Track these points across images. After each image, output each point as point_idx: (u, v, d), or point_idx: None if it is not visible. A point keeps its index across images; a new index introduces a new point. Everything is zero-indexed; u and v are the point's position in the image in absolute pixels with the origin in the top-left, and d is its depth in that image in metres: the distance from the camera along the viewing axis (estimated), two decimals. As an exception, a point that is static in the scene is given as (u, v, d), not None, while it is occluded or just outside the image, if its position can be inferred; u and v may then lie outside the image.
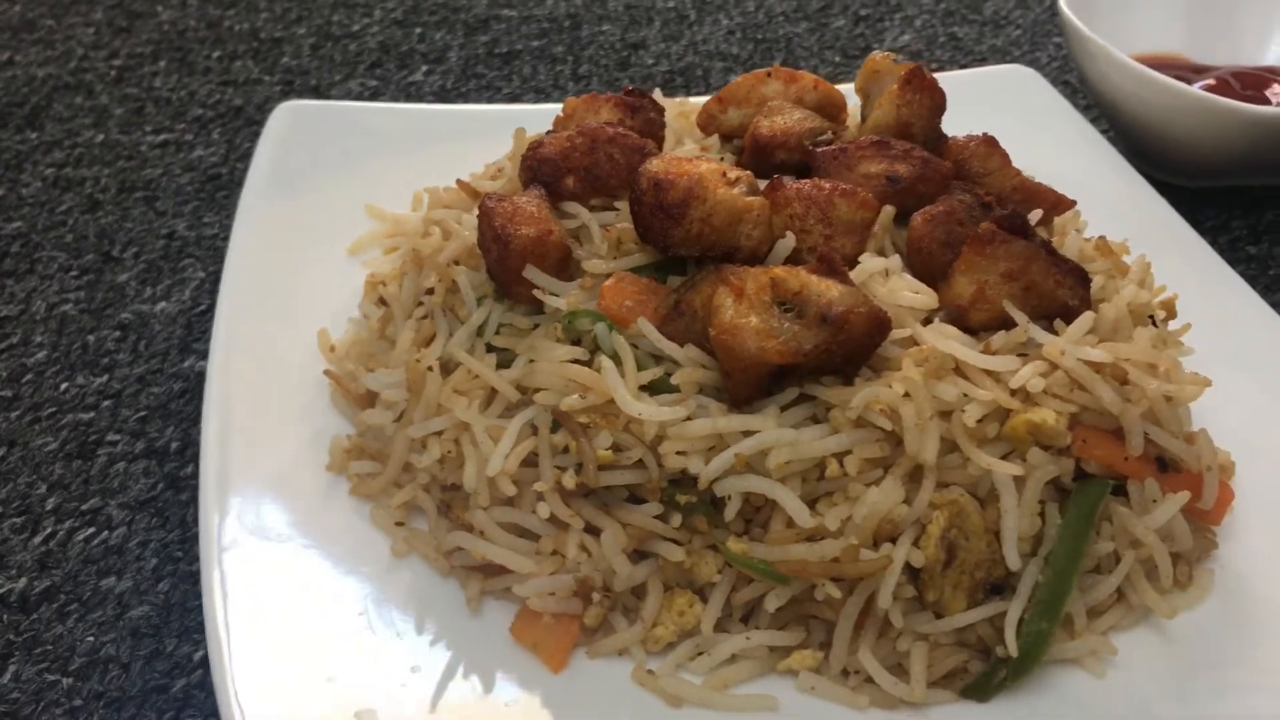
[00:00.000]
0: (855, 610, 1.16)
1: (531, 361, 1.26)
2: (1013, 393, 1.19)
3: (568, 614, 1.19)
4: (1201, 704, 1.14)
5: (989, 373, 1.20)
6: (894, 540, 1.16)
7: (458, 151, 1.69)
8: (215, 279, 1.59)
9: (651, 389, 1.21)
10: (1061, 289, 1.27)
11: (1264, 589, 1.25)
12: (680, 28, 2.49)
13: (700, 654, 1.18)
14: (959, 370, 1.20)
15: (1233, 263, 1.66)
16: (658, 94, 1.65)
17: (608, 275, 1.29)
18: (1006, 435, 1.18)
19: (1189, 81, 1.91)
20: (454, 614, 1.21)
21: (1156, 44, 2.10)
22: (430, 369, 1.31)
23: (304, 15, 2.49)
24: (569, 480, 1.19)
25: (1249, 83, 1.97)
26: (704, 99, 1.61)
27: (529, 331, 1.31)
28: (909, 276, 1.28)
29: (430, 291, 1.42)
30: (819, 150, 1.40)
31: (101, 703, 1.20)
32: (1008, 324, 1.24)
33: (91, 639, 1.26)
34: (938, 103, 1.47)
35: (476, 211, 1.36)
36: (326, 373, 1.43)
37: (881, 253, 1.32)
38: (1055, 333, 1.24)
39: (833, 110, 1.56)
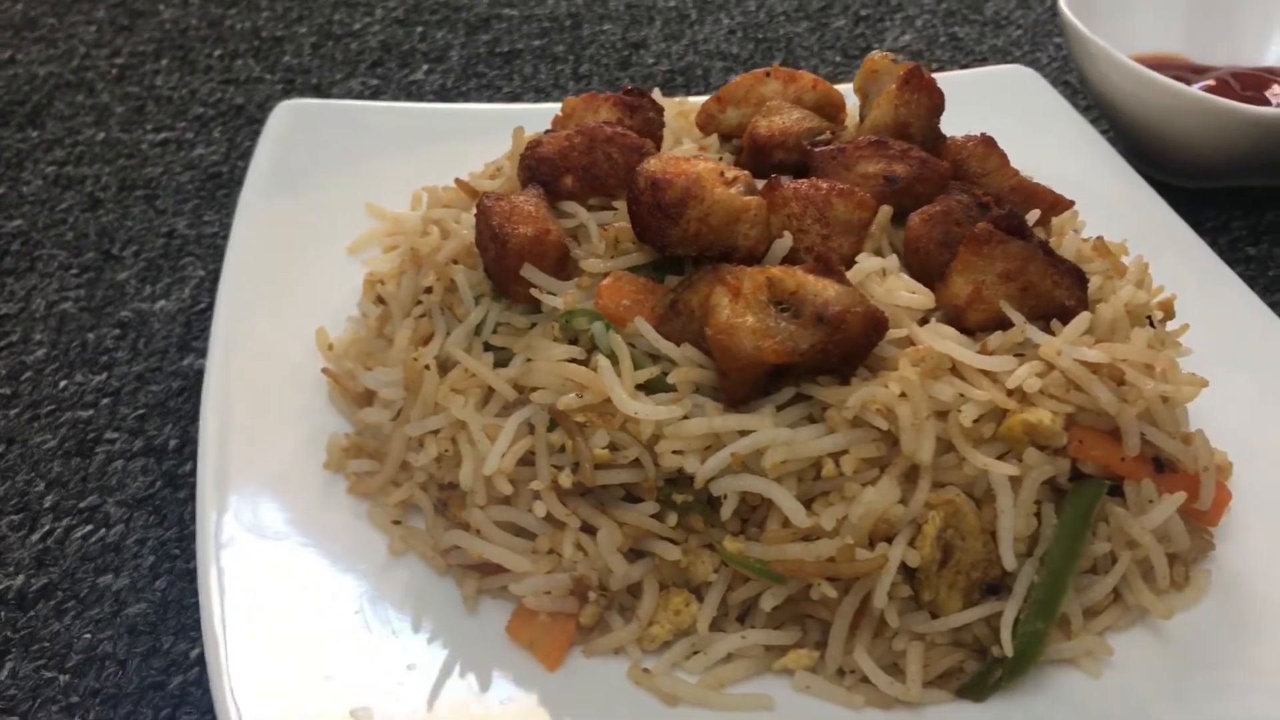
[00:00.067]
0: (851, 610, 1.16)
1: (529, 360, 1.26)
2: (1009, 393, 1.19)
3: (564, 613, 1.19)
4: (1198, 704, 1.14)
5: (985, 373, 1.20)
6: (890, 540, 1.16)
7: (458, 150, 1.69)
8: (215, 277, 1.59)
9: (648, 388, 1.21)
10: (1059, 289, 1.27)
11: (1261, 589, 1.25)
12: (681, 27, 2.49)
13: (696, 653, 1.18)
14: (955, 370, 1.20)
15: (1232, 263, 1.66)
16: (657, 93, 1.65)
17: (605, 274, 1.29)
18: (1003, 435, 1.18)
19: (1189, 82, 1.91)
20: (450, 612, 1.21)
21: (1156, 44, 2.10)
22: (427, 367, 1.31)
23: (305, 14, 2.49)
24: (565, 479, 1.19)
25: (1249, 83, 1.97)
26: (704, 99, 1.61)
27: (526, 330, 1.31)
28: (906, 276, 1.28)
29: (428, 290, 1.42)
30: (817, 150, 1.40)
31: (98, 699, 1.20)
32: (1005, 324, 1.24)
33: (89, 636, 1.26)
34: (936, 103, 1.47)
35: (475, 211, 1.36)
36: (325, 371, 1.43)
37: (879, 253, 1.32)
38: (1052, 333, 1.24)
39: (831, 110, 1.56)
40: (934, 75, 1.49)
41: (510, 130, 1.55)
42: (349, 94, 2.24)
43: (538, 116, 1.66)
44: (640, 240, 1.30)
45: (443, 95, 2.25)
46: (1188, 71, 2.03)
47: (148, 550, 1.35)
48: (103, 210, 1.90)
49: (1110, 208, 1.65)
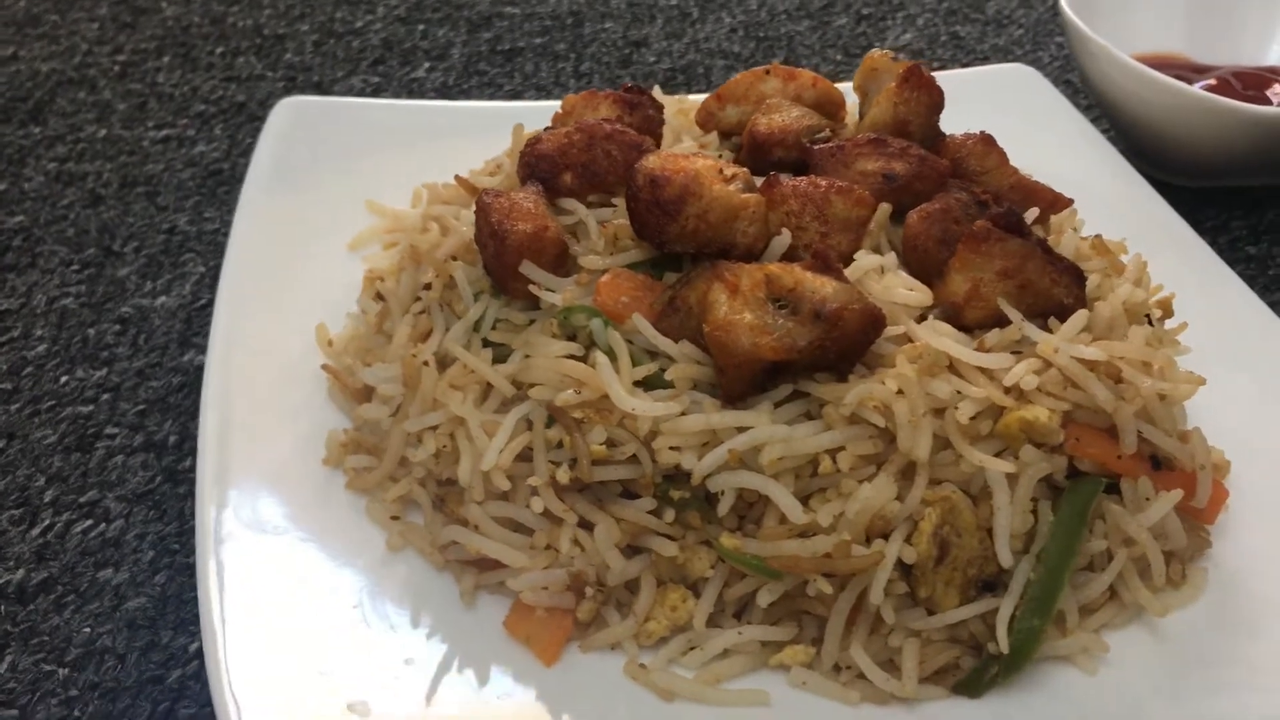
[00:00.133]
0: (847, 606, 1.16)
1: (527, 357, 1.26)
2: (1006, 390, 1.19)
3: (561, 608, 1.19)
4: (1194, 702, 1.14)
5: (983, 370, 1.20)
6: (886, 537, 1.16)
7: (458, 148, 1.70)
8: (215, 274, 1.59)
9: (646, 385, 1.21)
10: (1057, 287, 1.27)
11: (1258, 588, 1.25)
12: (683, 25, 2.49)
13: (692, 649, 1.18)
14: (953, 367, 1.20)
15: (1232, 263, 1.66)
16: (657, 91, 1.65)
17: (604, 271, 1.29)
18: (999, 433, 1.19)
19: (1190, 81, 1.91)
20: (448, 607, 1.21)
21: (1158, 44, 2.10)
22: (426, 364, 1.31)
23: (307, 12, 2.49)
24: (563, 475, 1.20)
25: (1250, 83, 1.96)
26: (705, 97, 1.61)
27: (525, 327, 1.31)
28: (904, 274, 1.28)
29: (428, 287, 1.42)
30: (816, 148, 1.40)
31: (97, 693, 1.20)
32: (1002, 322, 1.24)
33: (88, 630, 1.26)
34: (935, 101, 1.48)
35: (474, 207, 1.37)
36: (324, 367, 1.44)
37: (878, 250, 1.32)
38: (1050, 331, 1.24)
39: (831, 108, 1.56)
40: (934, 74, 1.50)
41: (509, 127, 1.55)
42: (350, 91, 2.25)
43: (538, 114, 1.66)
44: (639, 237, 1.30)
45: (444, 93, 2.25)
46: (1189, 71, 2.03)
47: (147, 545, 1.36)
48: (104, 206, 1.90)
49: (1110, 207, 1.66)
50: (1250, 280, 1.66)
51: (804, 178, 1.33)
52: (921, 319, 1.25)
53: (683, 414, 1.18)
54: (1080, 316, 1.24)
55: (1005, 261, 1.25)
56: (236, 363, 1.41)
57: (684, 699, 1.14)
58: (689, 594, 1.21)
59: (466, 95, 2.25)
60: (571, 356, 1.24)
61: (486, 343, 1.32)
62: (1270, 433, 1.41)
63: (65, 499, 1.41)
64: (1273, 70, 2.02)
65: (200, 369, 1.55)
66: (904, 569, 1.17)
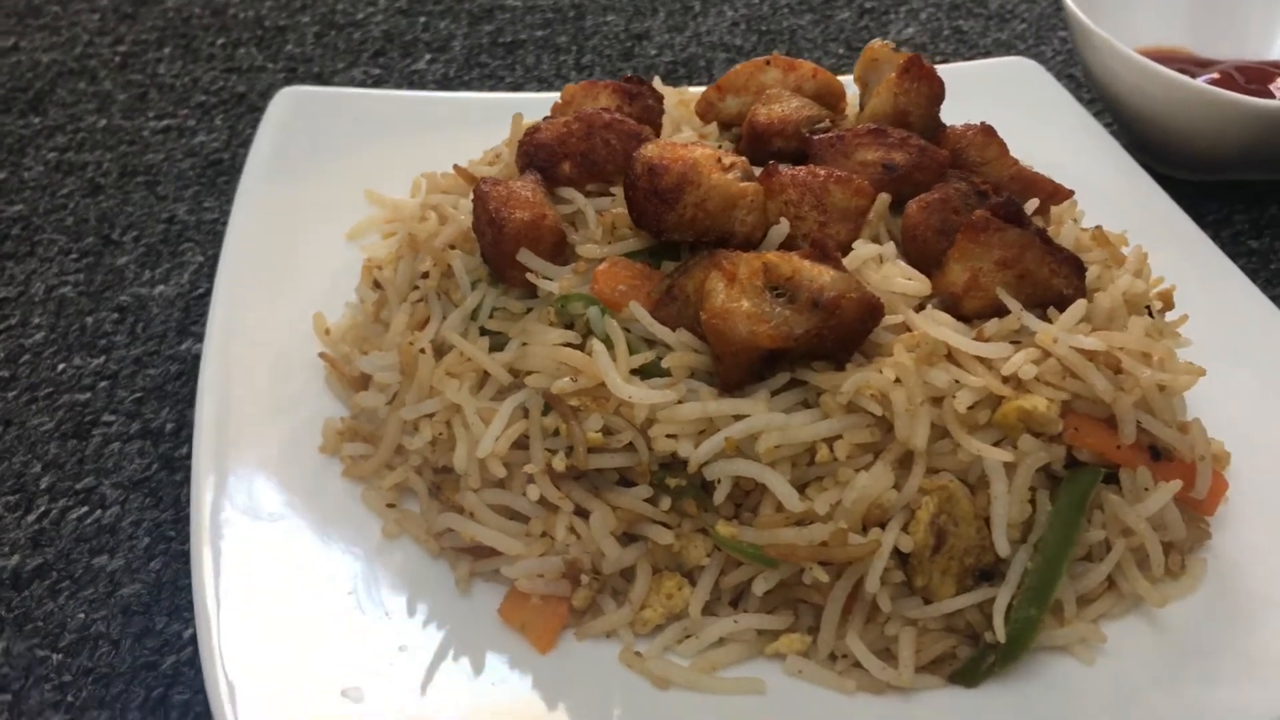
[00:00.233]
0: (843, 594, 1.16)
1: (524, 345, 1.26)
2: (1005, 380, 1.18)
3: (556, 596, 1.19)
4: (1191, 693, 1.14)
5: (981, 359, 1.20)
6: (883, 525, 1.16)
7: (458, 138, 1.69)
8: (214, 263, 1.59)
9: (643, 373, 1.21)
10: (1056, 278, 1.26)
11: (1257, 579, 1.25)
12: (684, 19, 2.48)
13: (688, 637, 1.18)
14: (951, 357, 1.20)
15: (1234, 256, 1.65)
16: (657, 82, 1.65)
17: (601, 260, 1.29)
18: (998, 422, 1.18)
19: (1193, 75, 1.90)
20: (443, 595, 1.21)
21: (1161, 38, 2.10)
22: (423, 351, 1.31)
23: (308, 3, 2.49)
24: (559, 463, 1.19)
25: (1253, 77, 1.96)
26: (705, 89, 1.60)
27: (522, 315, 1.31)
28: (902, 263, 1.28)
29: (425, 275, 1.42)
30: (816, 138, 1.40)
31: (90, 678, 1.20)
32: (1001, 312, 1.24)
33: (82, 616, 1.26)
34: (936, 91, 1.47)
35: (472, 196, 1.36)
36: (321, 355, 1.43)
37: (877, 240, 1.31)
38: (1049, 321, 1.24)
39: (831, 99, 1.55)
40: (936, 66, 1.49)
41: (509, 118, 1.55)
42: (351, 83, 2.24)
43: (537, 105, 1.66)
44: (637, 226, 1.30)
45: (445, 85, 2.25)
46: (1192, 65, 2.02)
47: (143, 532, 1.35)
48: (103, 196, 1.90)
49: (1112, 200, 1.65)
50: (1252, 274, 1.65)
51: (803, 167, 1.32)
52: (920, 308, 1.24)
53: (679, 402, 1.18)
54: (1079, 306, 1.23)
55: (1004, 251, 1.24)
56: (234, 350, 1.41)
57: (679, 687, 1.14)
58: (685, 582, 1.20)
59: (467, 87, 2.24)
60: (569, 345, 1.24)
61: (484, 331, 1.32)
62: (1271, 426, 1.40)
63: (61, 485, 1.40)
64: (1276, 64, 2.01)
65: (198, 358, 1.54)
66: (901, 558, 1.16)
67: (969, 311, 1.25)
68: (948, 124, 1.49)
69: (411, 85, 2.24)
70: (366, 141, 1.79)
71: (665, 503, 1.19)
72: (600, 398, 1.20)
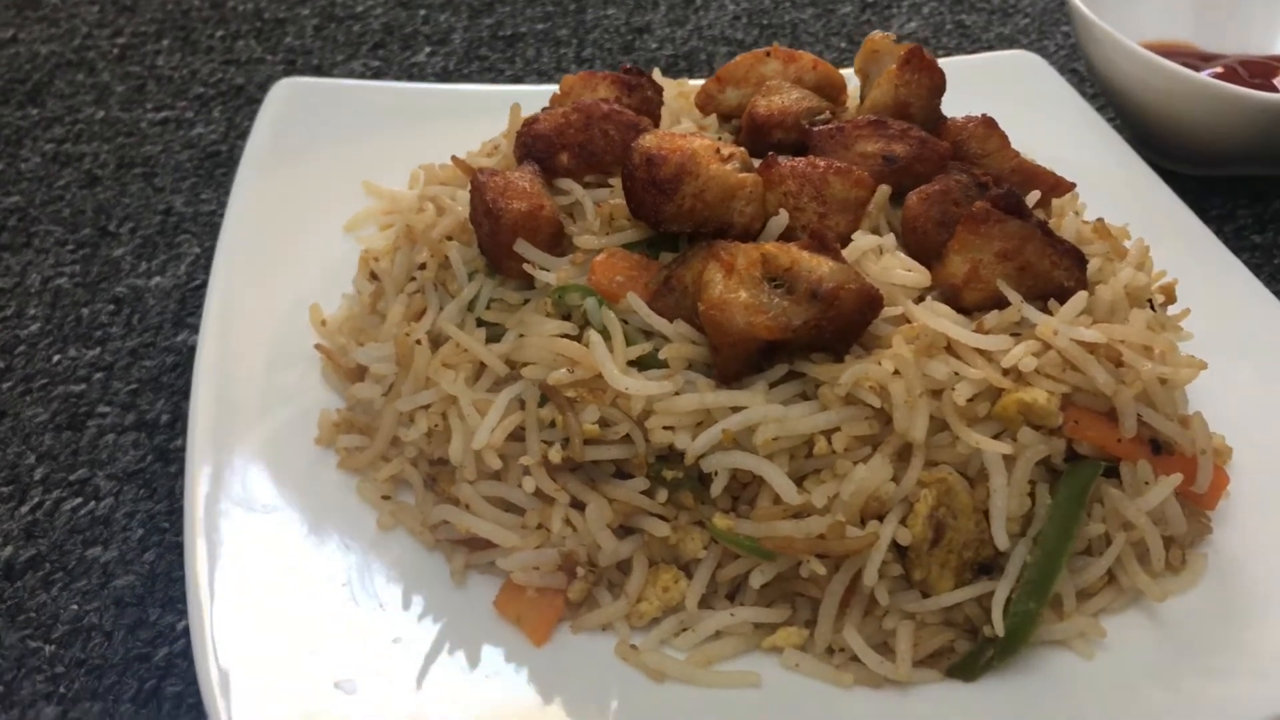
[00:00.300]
0: (841, 588, 1.15)
1: (521, 336, 1.25)
2: (1005, 372, 1.18)
3: (552, 588, 1.18)
4: (1191, 687, 1.13)
5: (981, 351, 1.19)
6: (881, 518, 1.15)
7: (456, 130, 1.68)
8: (210, 254, 1.58)
9: (640, 364, 1.20)
10: (1057, 270, 1.25)
11: (1258, 574, 1.24)
12: (685, 12, 2.47)
13: (684, 630, 1.17)
14: (950, 349, 1.19)
15: (1237, 251, 1.64)
16: (656, 73, 1.64)
17: (599, 251, 1.28)
18: (997, 414, 1.17)
19: (1197, 69, 1.89)
20: (438, 587, 1.20)
21: (1164, 32, 2.09)
22: (419, 342, 1.30)
23: (308, -4, 2.48)
24: (555, 454, 1.18)
25: (1257, 71, 1.95)
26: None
27: (519, 306, 1.30)
28: (902, 255, 1.27)
29: (422, 266, 1.41)
30: (816, 129, 1.39)
31: (83, 670, 1.19)
32: (1001, 304, 1.23)
33: (75, 607, 1.25)
34: (936, 83, 1.46)
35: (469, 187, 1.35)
36: (317, 347, 1.42)
37: (876, 231, 1.30)
38: (1050, 313, 1.23)
39: (831, 91, 1.55)
40: (938, 59, 1.48)
41: (508, 110, 1.54)
42: (350, 75, 2.23)
43: (536, 97, 1.65)
44: (635, 216, 1.29)
45: (444, 78, 2.24)
46: (1196, 59, 2.01)
47: (137, 523, 1.35)
48: (100, 187, 1.89)
49: (1115, 194, 1.64)
50: (1256, 269, 1.64)
51: (802, 158, 1.31)
52: (920, 300, 1.23)
53: (677, 393, 1.17)
54: (1080, 298, 1.23)
55: (1004, 243, 1.23)
56: (229, 341, 1.40)
57: (675, 680, 1.13)
58: (681, 575, 1.19)
59: (467, 80, 2.23)
60: (566, 336, 1.23)
61: (480, 322, 1.31)
62: (1273, 421, 1.39)
63: (55, 477, 1.40)
64: (1279, 59, 2.00)
65: (194, 349, 1.53)
66: (899, 551, 1.16)
67: (969, 303, 1.24)
68: (949, 116, 1.48)
69: (411, 78, 2.24)
70: (364, 133, 1.78)
71: (662, 495, 1.18)
72: (597, 389, 1.19)
